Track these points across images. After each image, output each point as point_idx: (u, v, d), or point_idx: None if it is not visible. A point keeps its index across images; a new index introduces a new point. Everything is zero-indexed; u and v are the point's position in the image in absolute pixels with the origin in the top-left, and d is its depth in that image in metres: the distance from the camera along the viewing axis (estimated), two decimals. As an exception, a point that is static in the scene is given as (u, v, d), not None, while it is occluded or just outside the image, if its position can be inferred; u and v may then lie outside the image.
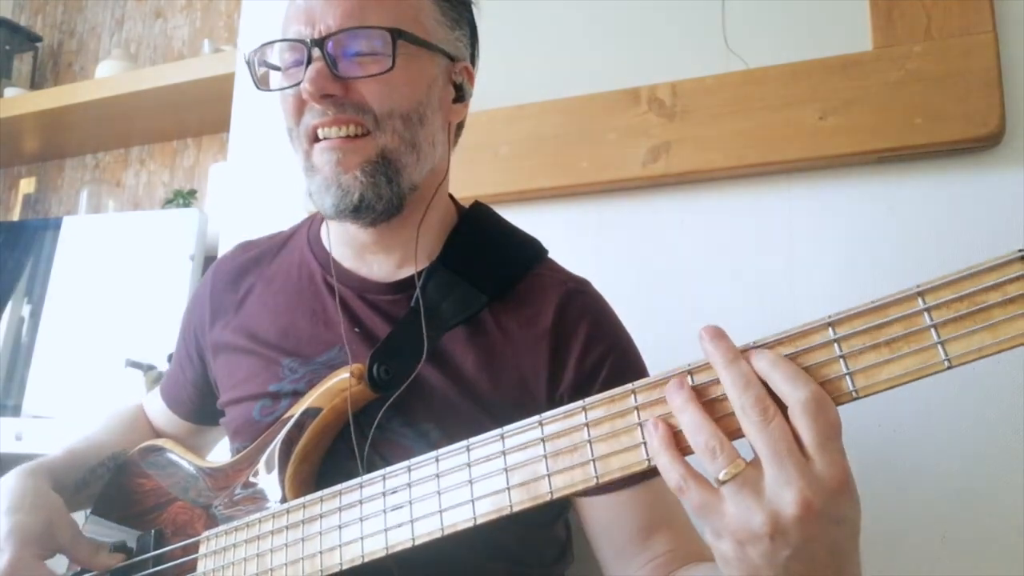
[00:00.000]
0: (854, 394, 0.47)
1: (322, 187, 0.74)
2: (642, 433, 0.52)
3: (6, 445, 1.50)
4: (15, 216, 2.21)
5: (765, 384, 0.48)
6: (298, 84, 0.72)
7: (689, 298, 1.18)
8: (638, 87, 1.21)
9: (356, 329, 0.80)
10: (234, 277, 0.91)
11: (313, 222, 0.91)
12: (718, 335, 0.50)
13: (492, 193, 1.24)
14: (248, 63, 0.77)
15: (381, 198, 0.74)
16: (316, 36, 0.72)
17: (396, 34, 0.73)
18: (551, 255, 0.87)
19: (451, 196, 0.88)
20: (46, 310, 1.66)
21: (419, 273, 0.80)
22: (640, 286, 1.20)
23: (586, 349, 0.77)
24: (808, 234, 1.13)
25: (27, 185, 2.23)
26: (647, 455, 0.51)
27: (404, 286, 0.81)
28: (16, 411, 1.61)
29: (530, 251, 0.85)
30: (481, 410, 0.75)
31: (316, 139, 0.75)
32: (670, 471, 0.50)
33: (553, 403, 0.77)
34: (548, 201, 1.27)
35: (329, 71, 0.72)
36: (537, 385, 0.77)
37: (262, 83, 0.78)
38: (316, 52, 0.72)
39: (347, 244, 0.83)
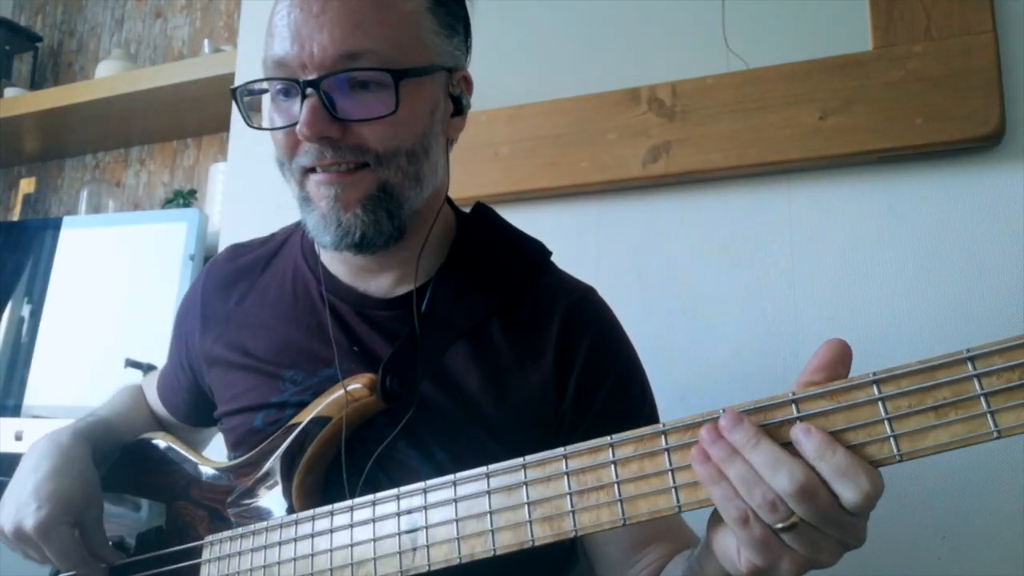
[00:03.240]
0: (898, 458, 0.46)
1: (320, 224, 0.71)
2: (672, 478, 0.51)
3: (6, 445, 1.50)
4: (15, 216, 2.21)
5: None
6: (292, 125, 0.68)
7: (689, 298, 1.18)
8: (638, 87, 1.21)
9: (355, 348, 0.77)
10: (225, 285, 0.88)
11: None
12: (735, 421, 0.49)
13: (492, 193, 1.24)
14: (235, 98, 0.73)
15: (383, 234, 0.71)
16: (307, 63, 0.67)
17: (398, 76, 0.67)
18: (553, 257, 0.86)
19: (448, 200, 0.85)
20: (46, 310, 1.66)
21: (417, 291, 0.78)
22: (640, 286, 1.20)
23: (589, 363, 0.76)
24: (808, 234, 1.13)
25: (27, 185, 2.23)
26: (678, 502, 0.51)
27: (404, 302, 0.78)
28: (16, 411, 1.62)
29: (536, 256, 0.83)
30: (487, 432, 0.74)
31: (311, 169, 0.71)
32: (731, 500, 0.49)
33: (557, 418, 0.76)
34: (548, 201, 1.27)
35: (326, 111, 0.67)
36: (544, 402, 0.75)
37: (252, 113, 0.74)
38: (309, 92, 0.67)
39: (343, 261, 0.80)
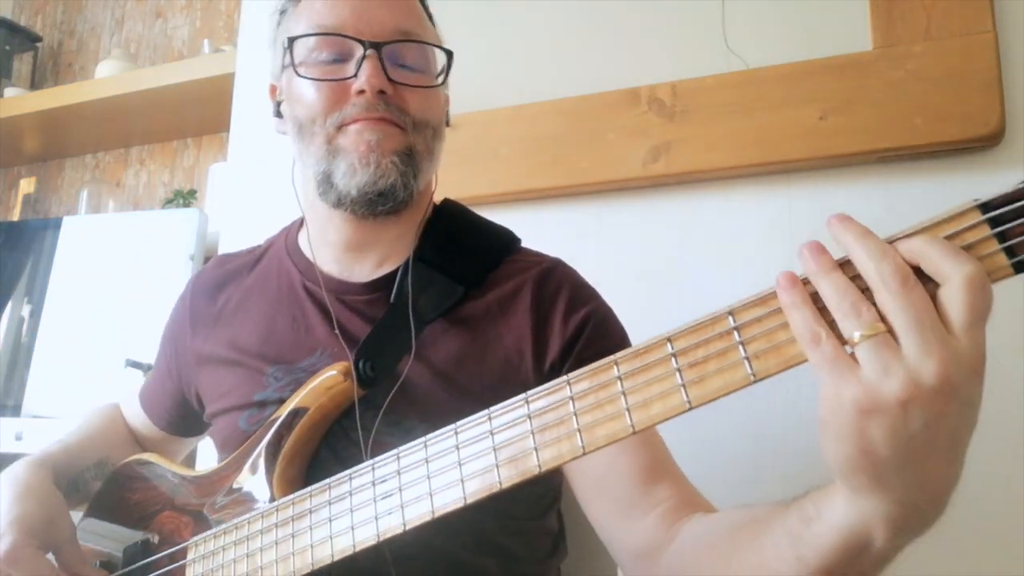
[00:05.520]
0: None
1: (355, 166, 0.74)
2: (625, 401, 0.52)
3: (6, 445, 1.50)
4: (15, 216, 2.21)
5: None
6: (345, 78, 0.75)
7: (689, 298, 1.18)
8: (638, 87, 1.21)
9: (335, 331, 0.79)
10: (212, 290, 0.91)
11: (290, 232, 0.92)
12: (846, 217, 0.49)
13: (492, 193, 1.24)
14: (288, 48, 0.77)
15: (407, 188, 0.76)
16: (363, 31, 0.75)
17: (450, 55, 0.80)
18: (550, 253, 0.87)
19: None
20: (46, 310, 1.66)
21: (403, 268, 0.81)
22: (640, 286, 1.20)
23: (568, 314, 0.78)
24: (808, 234, 1.12)
25: (27, 185, 2.23)
26: (631, 421, 0.51)
27: (379, 285, 0.81)
28: (16, 411, 1.62)
29: (504, 240, 0.86)
30: (465, 400, 0.73)
31: (351, 122, 0.76)
32: (809, 321, 0.47)
33: (542, 378, 0.76)
34: (548, 201, 1.27)
35: (384, 72, 0.75)
36: (522, 364, 0.77)
37: (304, 68, 0.77)
38: (371, 52, 0.74)
39: (328, 245, 0.83)
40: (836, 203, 1.12)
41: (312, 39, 0.77)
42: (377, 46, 0.75)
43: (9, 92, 2.02)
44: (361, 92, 0.74)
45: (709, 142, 1.15)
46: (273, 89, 0.86)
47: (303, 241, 0.88)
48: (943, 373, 0.43)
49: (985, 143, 1.03)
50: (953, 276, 0.44)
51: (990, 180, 1.05)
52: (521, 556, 0.79)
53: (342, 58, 0.76)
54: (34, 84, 2.20)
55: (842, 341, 0.46)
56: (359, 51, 0.75)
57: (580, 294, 0.81)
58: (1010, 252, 0.45)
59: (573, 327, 0.78)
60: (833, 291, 0.47)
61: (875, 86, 1.07)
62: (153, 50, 2.12)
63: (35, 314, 1.68)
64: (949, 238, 0.46)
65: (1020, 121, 1.04)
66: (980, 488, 0.99)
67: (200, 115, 1.87)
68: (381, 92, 0.74)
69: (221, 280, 0.91)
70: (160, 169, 2.05)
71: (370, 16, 0.76)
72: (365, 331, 0.78)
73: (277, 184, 1.48)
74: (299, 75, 0.77)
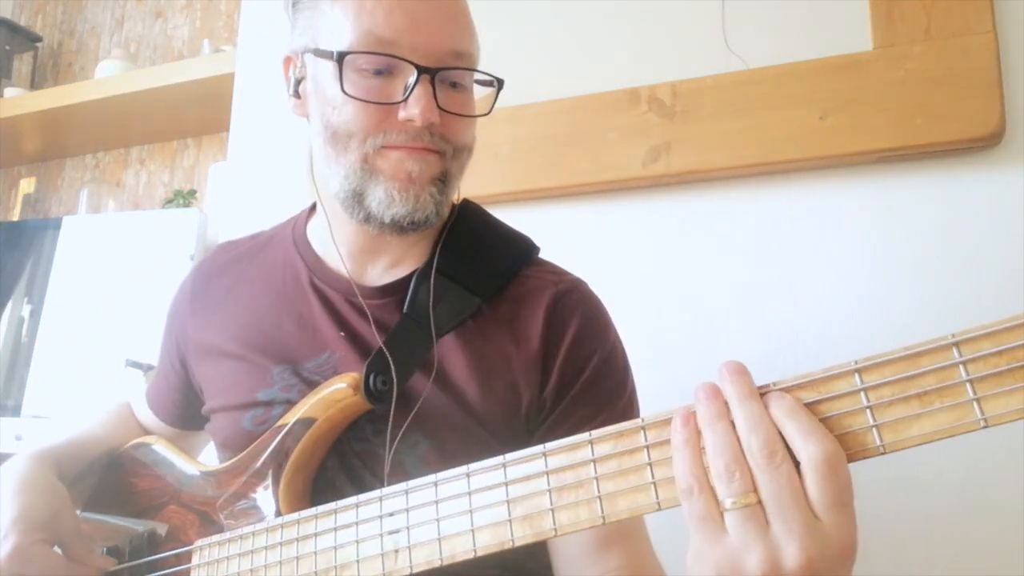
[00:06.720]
0: (881, 449, 0.44)
1: (391, 196, 0.71)
2: (652, 474, 0.49)
3: (6, 445, 1.50)
4: (15, 216, 2.21)
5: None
6: (393, 102, 0.70)
7: (689, 298, 1.18)
8: (638, 87, 1.21)
9: (342, 333, 0.78)
10: (213, 277, 0.89)
11: (298, 221, 0.88)
12: (739, 371, 0.48)
13: (492, 193, 1.24)
14: (339, 61, 0.70)
15: (438, 215, 0.74)
16: (420, 48, 0.70)
17: (501, 84, 0.77)
18: (547, 254, 0.86)
19: None
20: (46, 310, 1.66)
21: (417, 275, 0.78)
22: (640, 286, 1.21)
23: (573, 348, 0.76)
24: (808, 234, 1.13)
25: (27, 185, 2.23)
26: (657, 498, 0.49)
27: (391, 290, 0.79)
28: (16, 411, 1.62)
29: (521, 251, 0.84)
30: (471, 419, 0.74)
31: (392, 146, 0.72)
32: (686, 471, 0.47)
33: (539, 405, 0.76)
34: (548, 201, 1.27)
35: (435, 101, 0.70)
36: (526, 391, 0.75)
37: (352, 88, 0.71)
38: (424, 77, 0.69)
39: (340, 244, 0.80)
40: (836, 203, 1.12)
41: (359, 45, 0.70)
42: (431, 71, 0.70)
43: (9, 92, 2.02)
44: (409, 120, 0.70)
45: (709, 142, 1.15)
46: (289, 61, 0.78)
47: (312, 233, 0.85)
48: (803, 557, 0.42)
49: (985, 143, 1.03)
50: (802, 456, 0.44)
51: (990, 180, 1.05)
52: (528, 568, 0.78)
53: (389, 70, 0.71)
54: (34, 84, 2.19)
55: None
56: (411, 73, 0.69)
57: (590, 327, 0.78)
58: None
59: (575, 365, 0.76)
60: (712, 446, 0.47)
61: (875, 86, 1.07)
62: (153, 50, 2.12)
63: (35, 314, 1.68)
64: (820, 402, 0.45)
65: (1020, 121, 1.04)
66: (980, 488, 0.99)
67: (200, 115, 1.86)
68: (431, 123, 0.70)
69: (223, 267, 0.89)
70: (160, 169, 2.05)
71: (429, 32, 0.70)
72: (373, 335, 0.76)
73: (277, 184, 1.49)
74: (345, 92, 0.70)
